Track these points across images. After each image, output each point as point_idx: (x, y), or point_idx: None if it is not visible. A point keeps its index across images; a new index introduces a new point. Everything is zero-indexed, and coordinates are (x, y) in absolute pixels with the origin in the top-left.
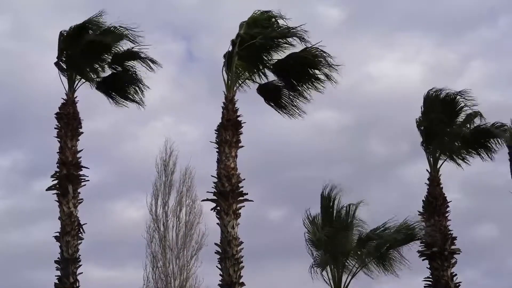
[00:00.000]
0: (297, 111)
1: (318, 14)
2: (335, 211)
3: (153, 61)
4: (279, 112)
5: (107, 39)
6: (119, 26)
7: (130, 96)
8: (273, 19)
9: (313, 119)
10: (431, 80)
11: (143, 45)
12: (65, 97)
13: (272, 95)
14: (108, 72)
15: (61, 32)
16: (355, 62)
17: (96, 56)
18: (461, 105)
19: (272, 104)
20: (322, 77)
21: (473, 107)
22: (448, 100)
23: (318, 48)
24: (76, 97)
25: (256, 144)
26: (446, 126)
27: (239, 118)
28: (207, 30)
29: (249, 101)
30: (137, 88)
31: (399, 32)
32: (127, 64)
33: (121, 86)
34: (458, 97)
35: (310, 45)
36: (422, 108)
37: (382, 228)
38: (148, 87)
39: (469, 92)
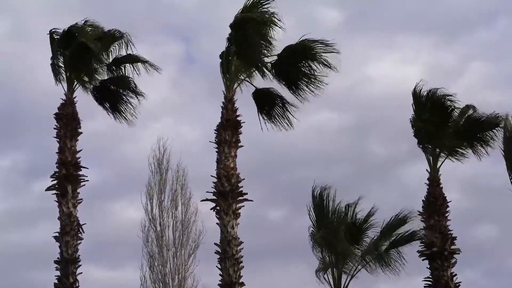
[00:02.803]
0: (288, 121)
1: (318, 15)
2: (330, 212)
3: (152, 65)
4: (270, 123)
5: (97, 46)
6: (113, 30)
7: (122, 112)
8: (265, 11)
9: (313, 120)
10: (431, 80)
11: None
12: (64, 97)
13: (264, 104)
14: (104, 76)
15: (50, 31)
16: (355, 63)
17: (88, 61)
18: (449, 104)
19: (264, 116)
20: (320, 66)
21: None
22: (437, 100)
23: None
24: (75, 97)
25: (255, 144)
26: (440, 125)
27: (238, 118)
28: (206, 31)
29: (248, 101)
30: (128, 104)
31: (399, 33)
32: (123, 69)
33: (114, 98)
34: (445, 99)
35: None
36: (413, 107)
37: (379, 222)
38: (143, 96)
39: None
